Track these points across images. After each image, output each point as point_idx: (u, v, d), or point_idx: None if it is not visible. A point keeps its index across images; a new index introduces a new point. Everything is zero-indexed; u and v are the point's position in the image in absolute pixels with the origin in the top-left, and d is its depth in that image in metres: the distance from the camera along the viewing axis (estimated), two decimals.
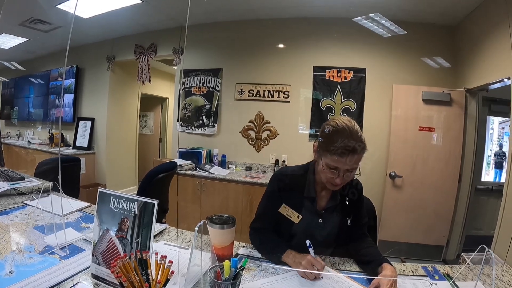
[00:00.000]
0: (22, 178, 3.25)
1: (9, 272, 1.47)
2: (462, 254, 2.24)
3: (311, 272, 1.55)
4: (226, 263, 1.26)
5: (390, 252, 4.36)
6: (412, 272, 1.70)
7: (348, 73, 4.93)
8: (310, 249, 1.65)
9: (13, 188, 2.90)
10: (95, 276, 1.43)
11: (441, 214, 4.58)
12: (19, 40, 7.15)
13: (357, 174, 1.71)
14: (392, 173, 4.63)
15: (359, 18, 4.35)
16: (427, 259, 4.48)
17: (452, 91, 4.49)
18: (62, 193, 1.96)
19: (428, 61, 4.61)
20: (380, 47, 4.80)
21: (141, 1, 4.88)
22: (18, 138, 9.28)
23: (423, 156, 4.60)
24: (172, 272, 1.15)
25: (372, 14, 4.22)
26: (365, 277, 1.61)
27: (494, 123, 4.98)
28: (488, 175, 5.01)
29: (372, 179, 4.78)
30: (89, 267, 1.50)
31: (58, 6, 5.04)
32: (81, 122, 7.43)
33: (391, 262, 1.60)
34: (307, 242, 1.67)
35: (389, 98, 4.70)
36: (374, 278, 1.49)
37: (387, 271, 1.50)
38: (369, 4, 4.26)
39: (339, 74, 4.95)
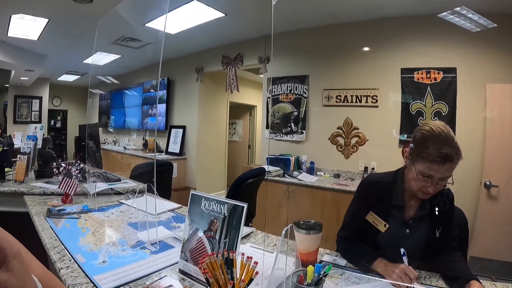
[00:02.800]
0: (119, 180, 3.49)
1: (102, 262, 1.59)
2: None
3: (400, 284, 1.49)
4: (310, 268, 1.26)
5: (479, 269, 4.07)
6: None
7: (438, 73, 4.66)
8: (404, 258, 1.60)
9: (110, 188, 3.10)
10: (182, 272, 1.50)
11: None
12: (113, 56, 7.75)
13: (449, 183, 1.61)
14: (487, 182, 4.30)
15: (444, 13, 4.13)
16: None
17: None
18: (156, 194, 2.05)
19: None
20: (470, 43, 4.48)
21: (224, 14, 5.02)
22: (115, 144, 9.91)
23: None
24: (256, 273, 1.16)
25: (458, 8, 3.99)
26: None
27: None
28: None
29: (464, 188, 4.43)
30: (176, 262, 1.58)
31: (147, 25, 5.41)
32: (173, 130, 7.79)
33: (480, 281, 1.50)
34: (402, 250, 1.63)
35: (483, 99, 4.39)
36: None
37: None
38: None
39: (428, 76, 4.71)
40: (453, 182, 1.60)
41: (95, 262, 1.58)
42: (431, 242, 1.77)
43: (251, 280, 1.14)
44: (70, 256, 1.63)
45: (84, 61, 8.28)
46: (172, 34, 5.84)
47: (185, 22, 5.37)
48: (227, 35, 6.24)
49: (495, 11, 4.15)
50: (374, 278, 1.61)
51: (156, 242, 1.87)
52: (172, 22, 5.35)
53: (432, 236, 1.78)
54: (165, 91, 8.00)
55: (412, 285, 1.49)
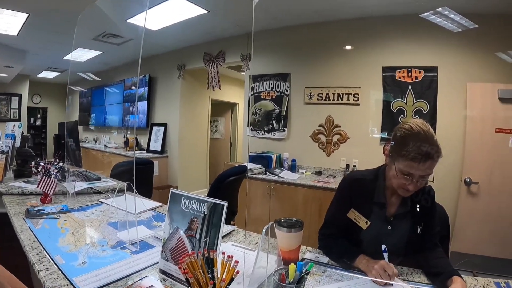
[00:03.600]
0: (99, 179, 3.45)
1: (82, 263, 1.57)
2: None
3: (382, 276, 1.51)
4: (291, 266, 1.26)
5: (461, 265, 4.11)
6: (483, 287, 1.59)
7: (419, 72, 4.72)
8: (385, 254, 1.62)
9: (90, 187, 3.07)
10: (162, 272, 1.49)
11: None
12: (93, 53, 7.64)
13: (430, 181, 1.63)
14: (468, 179, 4.38)
15: (427, 13, 4.18)
16: (502, 275, 4.17)
17: None
18: (135, 192, 2.03)
19: (503, 55, 4.33)
20: (451, 43, 4.55)
21: (207, 11, 4.99)
22: (95, 142, 9.85)
23: (501, 160, 4.30)
24: (237, 272, 1.15)
25: (440, 9, 4.04)
26: None
27: None
28: None
29: (445, 185, 4.52)
30: (157, 262, 1.57)
31: (128, 21, 5.34)
32: (154, 128, 7.75)
33: (462, 276, 1.52)
34: (383, 246, 1.64)
35: (463, 98, 4.47)
36: None
37: (456, 284, 1.43)
38: None
39: (409, 74, 4.76)
40: (433, 180, 1.62)
41: (74, 263, 1.56)
42: (413, 238, 1.79)
43: (232, 279, 1.14)
44: (49, 258, 1.60)
45: (64, 58, 8.14)
46: (154, 31, 5.79)
47: (167, 19, 5.32)
48: (210, 32, 6.21)
49: (476, 12, 4.22)
50: (356, 275, 1.62)
51: (136, 242, 1.86)
52: (154, 18, 5.30)
53: (413, 232, 1.79)
54: (146, 88, 7.95)
55: (391, 282, 1.51)
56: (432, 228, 1.84)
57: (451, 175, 4.52)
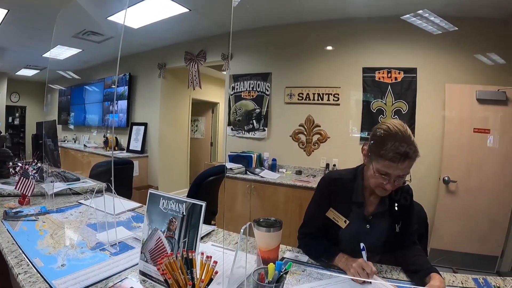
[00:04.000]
0: (78, 179, 3.41)
1: (61, 265, 1.56)
2: None
3: (360, 275, 1.53)
4: (271, 266, 1.27)
5: (440, 261, 4.19)
6: (462, 283, 1.62)
7: (399, 73, 4.78)
8: (363, 253, 1.63)
9: (69, 188, 3.04)
10: (142, 273, 1.48)
11: (496, 223, 4.35)
12: (73, 51, 7.52)
13: (407, 180, 1.65)
14: (446, 178, 4.45)
15: (407, 16, 4.24)
16: (480, 270, 4.24)
17: (508, 90, 4.27)
18: (114, 193, 2.02)
19: (481, 57, 4.41)
20: (431, 45, 4.62)
21: (188, 10, 4.97)
22: (75, 142, 9.73)
23: (478, 160, 4.40)
24: (216, 272, 1.16)
25: (420, 11, 4.10)
26: (412, 287, 1.56)
27: None
28: None
29: (424, 184, 4.60)
30: (137, 264, 1.56)
31: (109, 18, 5.28)
32: (134, 127, 7.68)
33: (440, 272, 1.55)
34: (361, 245, 1.66)
35: (442, 99, 4.54)
36: None
37: (435, 281, 1.45)
38: (416, 1, 4.14)
39: (389, 75, 4.82)
40: (410, 179, 1.64)
41: (54, 266, 1.54)
42: (391, 237, 1.82)
43: (211, 279, 1.14)
44: (28, 261, 1.58)
45: (44, 55, 8.01)
46: (135, 29, 5.75)
47: (148, 17, 5.28)
48: (191, 31, 6.19)
49: (456, 15, 4.30)
50: (335, 274, 1.64)
51: (116, 243, 1.85)
52: (135, 16, 5.25)
53: (392, 231, 1.82)
54: (126, 87, 7.85)
55: (369, 280, 1.53)
56: (410, 226, 1.86)
57: (430, 174, 4.59)
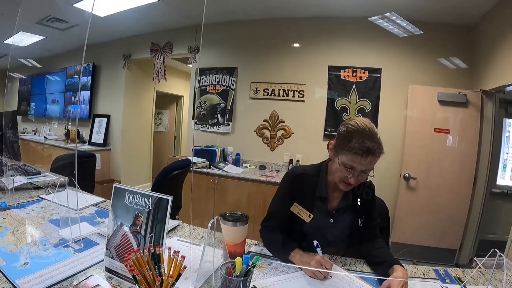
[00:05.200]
0: (39, 173, 3.31)
1: (24, 264, 1.51)
2: (475, 258, 2.22)
3: (320, 272, 1.55)
4: (238, 260, 1.27)
5: (402, 254, 4.32)
6: (424, 274, 1.69)
7: (364, 73, 4.89)
8: (318, 249, 1.66)
9: (30, 182, 2.95)
10: (108, 270, 1.45)
11: (455, 218, 4.52)
12: (36, 38, 7.24)
13: (370, 176, 1.70)
14: (407, 175, 4.58)
15: (375, 17, 4.31)
16: (439, 263, 4.36)
17: (468, 93, 4.42)
18: (78, 188, 1.98)
19: (444, 61, 4.55)
20: (396, 47, 4.76)
21: (157, 0, 4.89)
22: (35, 133, 9.41)
23: (438, 158, 4.54)
24: (184, 267, 1.15)
25: (388, 14, 4.18)
26: (376, 277, 1.60)
27: (511, 125, 4.88)
28: (503, 178, 4.90)
29: (386, 180, 4.74)
30: (102, 260, 1.52)
31: (75, 5, 5.09)
32: (97, 119, 7.52)
33: (403, 264, 1.59)
34: (315, 242, 1.69)
35: (405, 99, 4.66)
36: (385, 279, 1.48)
37: (398, 273, 1.49)
38: (385, 3, 4.23)
39: (354, 74, 4.92)
40: (374, 175, 1.69)
41: (16, 265, 1.49)
42: (355, 230, 1.87)
43: (179, 275, 1.14)
44: None
45: (5, 41, 7.75)
46: (101, 17, 5.58)
47: (115, 5, 5.15)
48: (158, 22, 6.11)
49: (426, 20, 4.45)
50: (300, 267, 1.65)
51: (79, 240, 1.80)
52: (102, 4, 5.11)
53: (355, 225, 1.87)
54: (89, 78, 7.65)
55: (329, 276, 1.57)
56: (373, 220, 1.92)
57: (391, 171, 4.72)
